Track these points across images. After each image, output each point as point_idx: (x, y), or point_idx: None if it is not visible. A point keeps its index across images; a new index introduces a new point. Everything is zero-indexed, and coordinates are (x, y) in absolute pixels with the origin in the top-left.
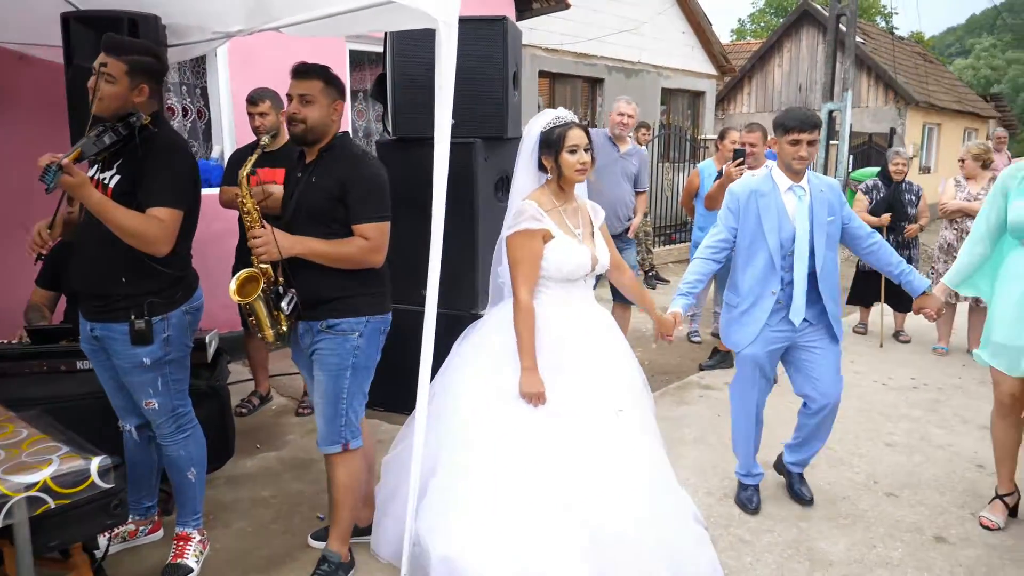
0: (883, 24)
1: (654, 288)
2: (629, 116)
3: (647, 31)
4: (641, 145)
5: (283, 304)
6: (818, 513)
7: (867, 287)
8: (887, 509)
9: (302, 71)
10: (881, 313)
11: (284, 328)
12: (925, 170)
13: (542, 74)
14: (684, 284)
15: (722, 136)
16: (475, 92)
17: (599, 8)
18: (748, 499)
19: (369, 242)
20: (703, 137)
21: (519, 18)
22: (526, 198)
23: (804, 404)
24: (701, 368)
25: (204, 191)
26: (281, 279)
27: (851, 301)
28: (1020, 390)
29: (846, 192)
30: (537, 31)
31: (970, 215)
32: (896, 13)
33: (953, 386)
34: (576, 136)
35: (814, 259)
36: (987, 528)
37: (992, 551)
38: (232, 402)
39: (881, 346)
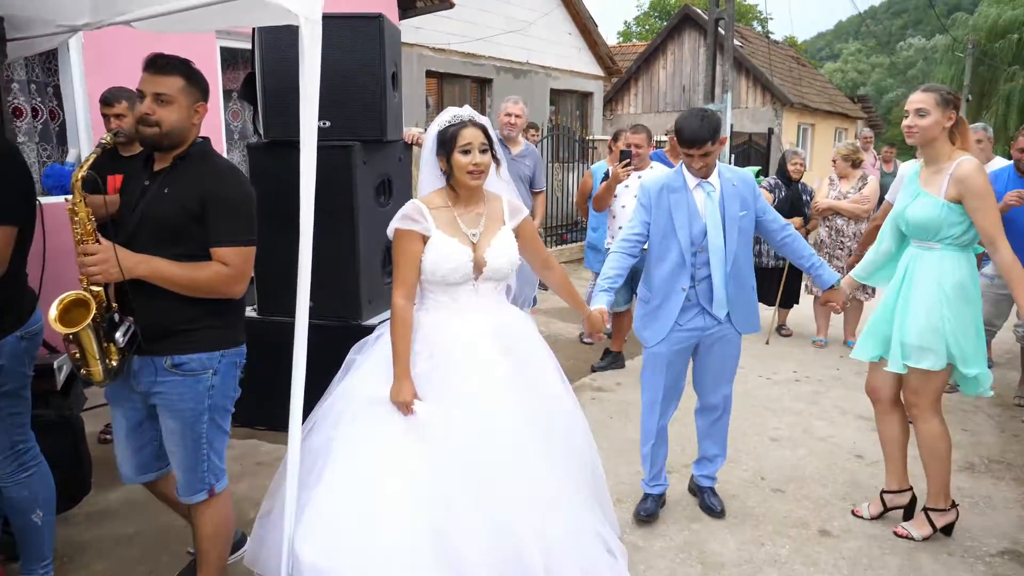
0: (759, 28)
1: (546, 289)
2: (517, 116)
3: (535, 32)
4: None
5: (118, 335)
6: (709, 516)
7: (769, 288)
8: (774, 505)
9: (159, 65)
10: (775, 311)
11: (115, 363)
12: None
13: (430, 74)
14: (604, 279)
15: (615, 138)
16: (352, 93)
17: (486, 8)
18: (646, 509)
19: (229, 269)
20: (592, 138)
21: (402, 16)
22: (420, 197)
23: (700, 405)
24: (593, 369)
25: (59, 199)
26: (115, 304)
27: None
28: (886, 383)
29: None
30: (424, 30)
31: (840, 213)
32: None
33: (832, 378)
34: (469, 135)
35: (728, 253)
36: (854, 515)
37: (873, 541)
38: (96, 427)
39: (767, 343)
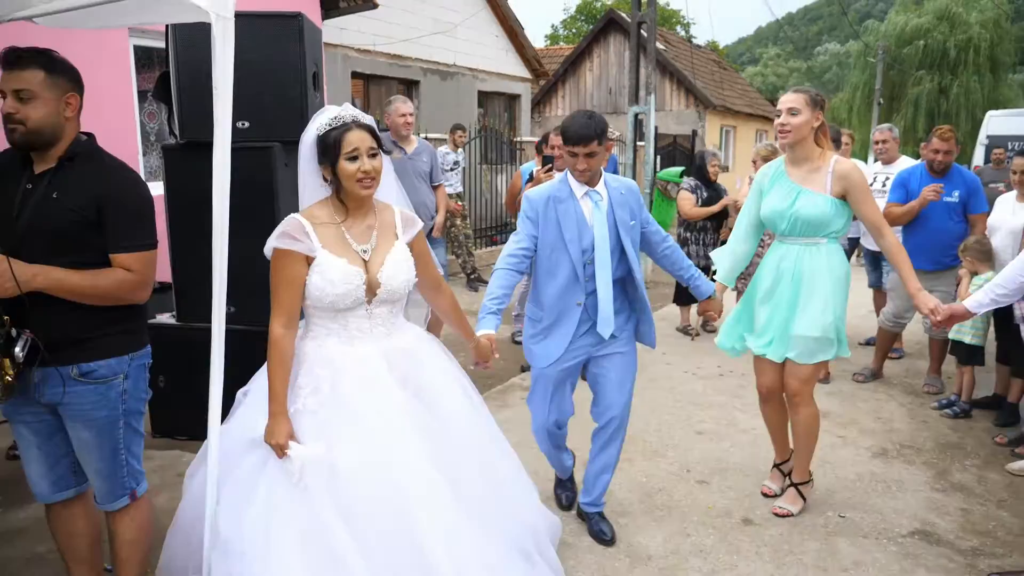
0: (682, 33)
1: (476, 291)
2: (412, 115)
3: (461, 34)
4: (458, 147)
5: (16, 350)
6: (636, 508)
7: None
8: (699, 497)
9: (13, 59)
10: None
11: (11, 378)
12: (724, 169)
13: (355, 75)
14: (490, 301)
15: (544, 140)
16: (272, 93)
17: (412, 9)
18: (566, 494)
19: (133, 275)
20: (520, 139)
21: (326, 17)
22: (302, 211)
23: (599, 414)
24: (523, 370)
25: None
26: (7, 317)
27: (676, 300)
28: (778, 377)
29: (653, 191)
30: (348, 31)
31: None
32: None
33: (748, 373)
34: (355, 139)
35: (621, 264)
36: (765, 495)
37: (793, 528)
38: (6, 443)
39: (692, 339)
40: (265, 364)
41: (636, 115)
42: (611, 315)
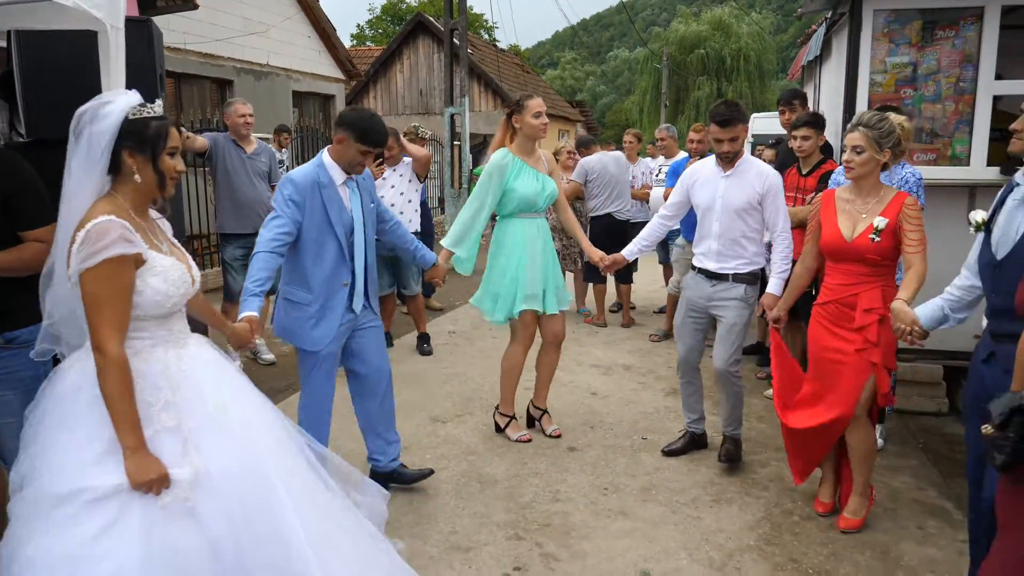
0: (486, 37)
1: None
2: (251, 115)
3: (274, 34)
4: (283, 148)
5: None
6: (480, 447)
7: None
8: (533, 435)
9: None
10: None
11: None
12: None
13: (167, 74)
14: (253, 283)
15: None
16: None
17: (224, 8)
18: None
19: (45, 245)
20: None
21: (142, 14)
22: (95, 214)
23: (358, 387)
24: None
25: None
26: None
27: (588, 279)
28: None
29: (471, 187)
30: (162, 30)
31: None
32: (497, 27)
33: (570, 339)
34: (176, 137)
35: (367, 247)
36: (527, 442)
37: (608, 450)
38: None
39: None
40: (53, 392)
41: (451, 115)
42: (363, 291)
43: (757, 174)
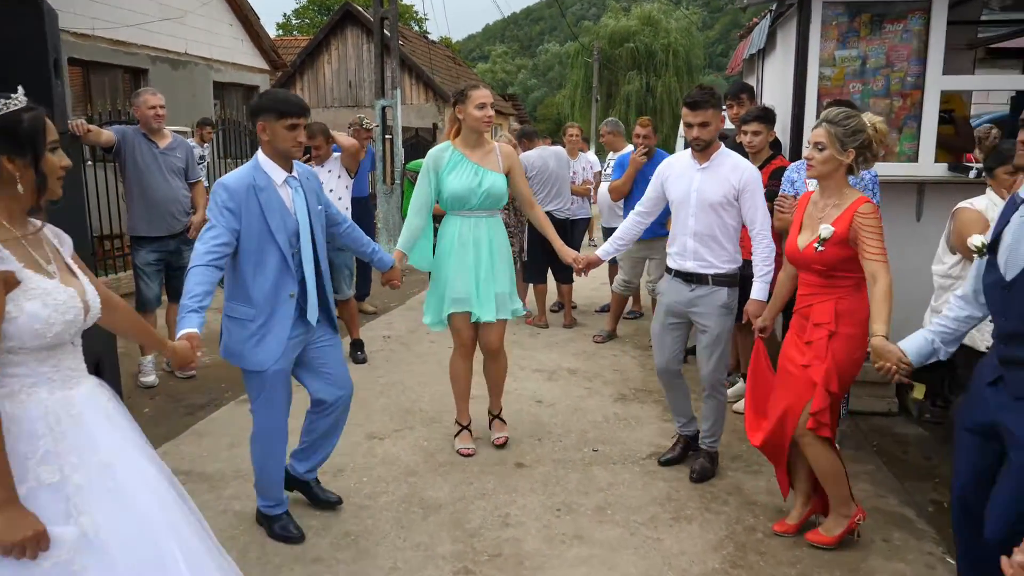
0: (417, 29)
1: None
2: (163, 107)
3: (193, 21)
4: (205, 142)
5: None
6: (422, 467)
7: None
8: (478, 449)
9: None
10: None
11: None
12: None
13: (73, 62)
14: (191, 299)
15: (309, 134)
16: (13, 82)
17: None
18: (286, 528)
19: None
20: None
21: None
22: None
23: (315, 404)
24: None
25: None
26: None
27: (528, 279)
28: (475, 334)
29: (403, 182)
30: (65, 14)
31: None
32: (427, 19)
33: (511, 342)
34: (54, 131)
35: (316, 252)
36: (465, 456)
37: (558, 466)
38: None
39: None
40: None
41: (383, 108)
42: (316, 301)
43: (733, 167)
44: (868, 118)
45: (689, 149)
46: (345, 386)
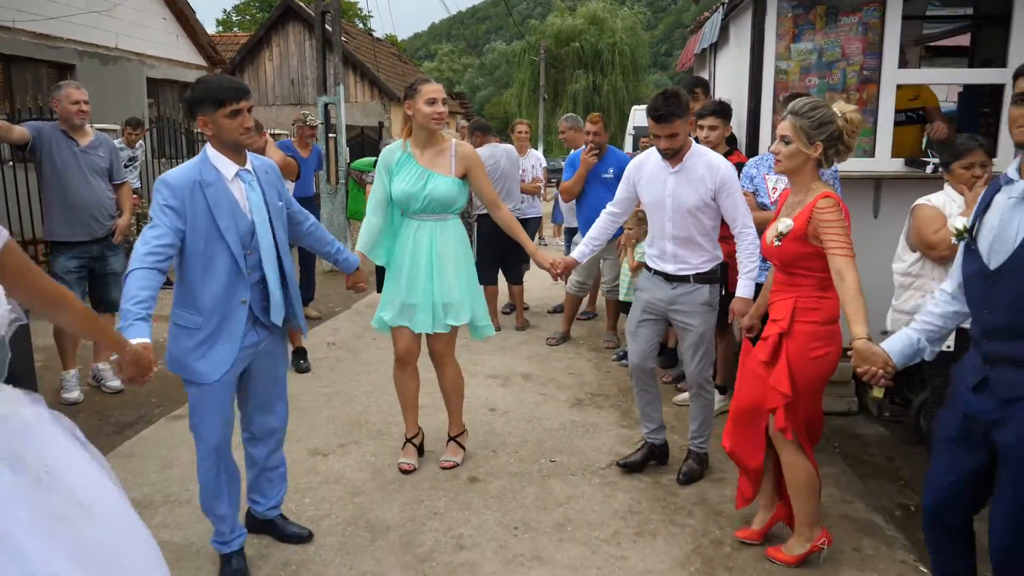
0: (361, 26)
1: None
2: (87, 102)
3: (123, 15)
4: (133, 146)
5: None
6: (369, 485)
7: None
8: (427, 465)
9: None
10: None
11: None
12: None
13: None
14: (136, 305)
15: None
16: None
17: None
18: (240, 572)
19: None
20: (199, 130)
21: None
22: None
23: (244, 430)
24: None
25: None
26: None
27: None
28: (416, 344)
29: (348, 181)
30: None
31: None
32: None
33: (461, 345)
34: None
35: (279, 251)
36: (405, 472)
37: (513, 479)
38: None
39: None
40: None
41: (326, 105)
42: (281, 300)
43: (707, 168)
44: (839, 108)
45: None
46: (279, 419)
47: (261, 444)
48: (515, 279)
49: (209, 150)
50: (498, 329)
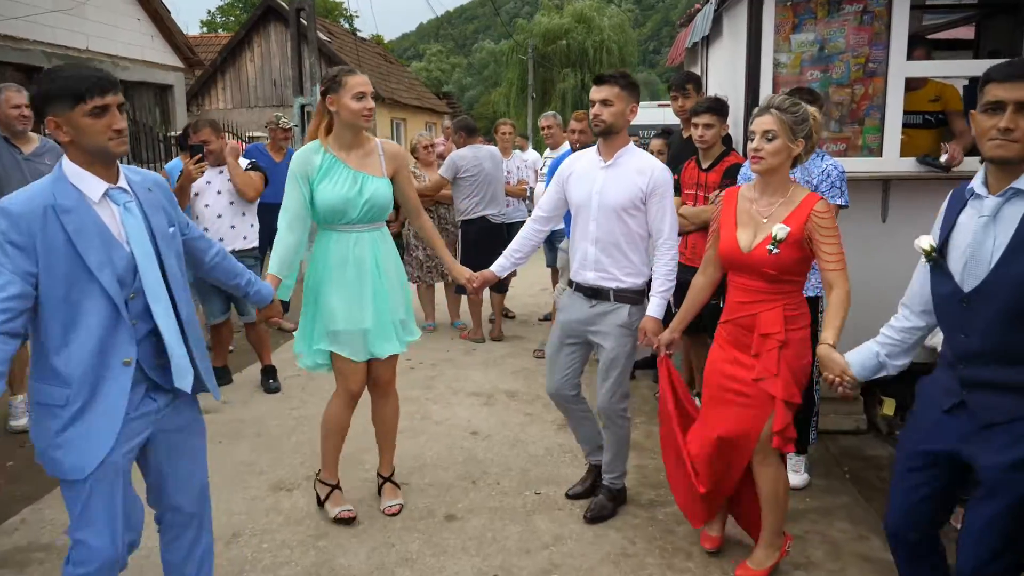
0: (346, 26)
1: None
2: (28, 106)
3: (94, 15)
4: None
5: None
6: (334, 528)
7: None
8: (404, 500)
9: None
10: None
11: None
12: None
13: None
14: None
15: (186, 133)
16: None
17: None
18: None
19: None
20: (175, 134)
21: None
22: None
23: (165, 518)
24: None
25: None
26: None
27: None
28: (365, 374)
29: None
30: None
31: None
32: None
33: (444, 360)
34: None
35: (174, 293)
36: (346, 519)
37: (494, 515)
38: None
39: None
40: None
41: (302, 106)
42: (185, 358)
43: (640, 168)
44: (806, 107)
45: (595, 147)
46: (194, 502)
47: (175, 542)
48: (499, 288)
49: (66, 164)
50: (483, 340)
